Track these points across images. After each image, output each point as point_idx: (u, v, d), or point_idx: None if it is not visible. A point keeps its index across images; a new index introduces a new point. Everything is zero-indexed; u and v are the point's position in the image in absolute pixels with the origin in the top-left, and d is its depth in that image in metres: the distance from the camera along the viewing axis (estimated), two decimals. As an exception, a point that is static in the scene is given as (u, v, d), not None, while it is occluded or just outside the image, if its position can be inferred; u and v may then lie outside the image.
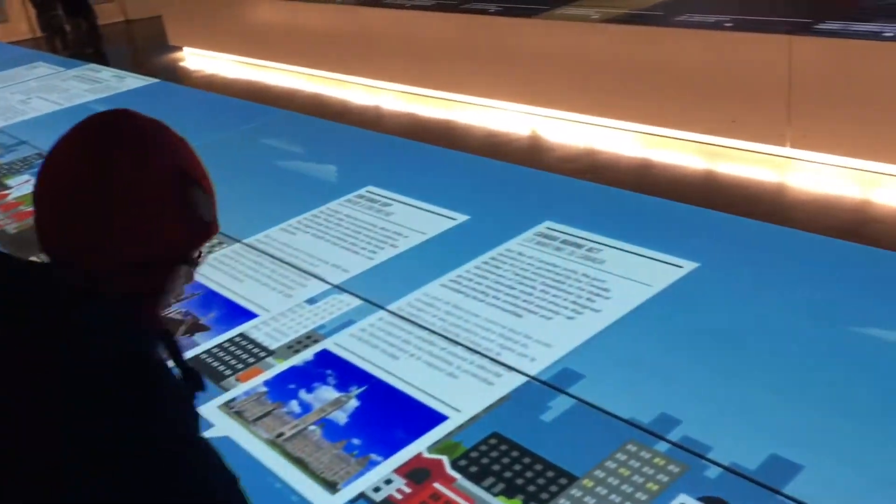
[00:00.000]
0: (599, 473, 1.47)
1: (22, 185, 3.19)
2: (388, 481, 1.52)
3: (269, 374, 1.87)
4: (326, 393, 1.78)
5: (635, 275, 2.05)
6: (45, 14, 9.47)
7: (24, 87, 4.72)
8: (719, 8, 5.00)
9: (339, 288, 2.19)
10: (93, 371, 0.88)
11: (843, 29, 4.30)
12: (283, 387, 1.82)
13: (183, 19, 8.75)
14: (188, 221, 1.03)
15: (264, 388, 1.83)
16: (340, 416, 1.71)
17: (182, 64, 8.69)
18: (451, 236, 2.39)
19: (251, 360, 1.93)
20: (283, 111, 3.90)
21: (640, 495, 1.41)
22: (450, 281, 2.15)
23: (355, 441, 1.63)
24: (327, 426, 1.68)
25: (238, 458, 1.63)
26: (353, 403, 1.74)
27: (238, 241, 2.51)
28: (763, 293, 1.95)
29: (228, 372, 1.90)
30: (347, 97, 6.88)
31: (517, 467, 1.51)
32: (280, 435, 1.68)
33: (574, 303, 1.97)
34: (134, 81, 4.62)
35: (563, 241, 2.25)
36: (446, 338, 1.91)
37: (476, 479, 1.50)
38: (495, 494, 1.46)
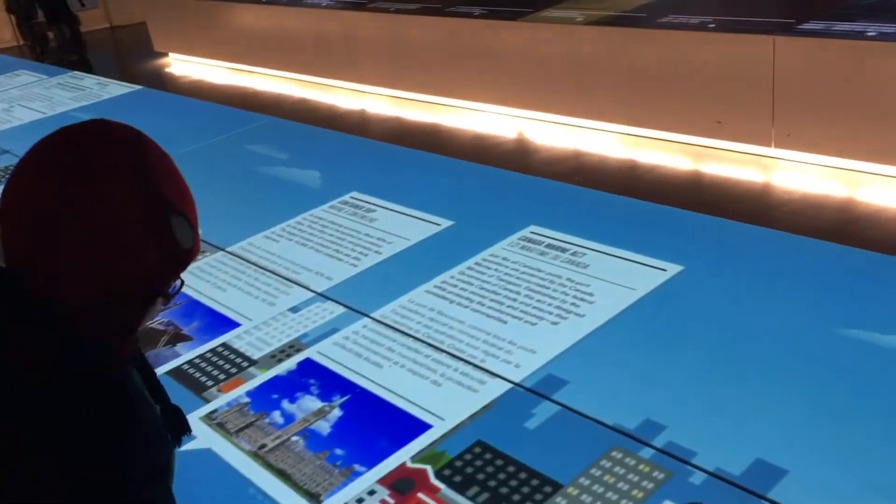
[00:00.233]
0: (584, 481, 1.46)
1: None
2: (372, 492, 1.51)
3: (251, 385, 1.85)
4: (309, 403, 1.77)
5: (619, 279, 2.05)
6: (26, 22, 9.39)
7: (6, 96, 4.69)
8: (703, 9, 5.01)
9: (323, 296, 2.17)
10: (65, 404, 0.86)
11: (827, 29, 4.32)
12: (266, 397, 1.81)
13: (168, 25, 8.71)
14: (162, 250, 0.96)
15: (247, 399, 1.81)
16: (324, 426, 1.69)
17: (168, 70, 8.65)
18: (435, 242, 2.38)
19: (233, 370, 1.92)
20: (267, 117, 3.88)
21: (626, 502, 1.40)
22: (434, 287, 2.13)
23: (338, 451, 1.62)
24: (310, 436, 1.67)
25: (220, 471, 1.61)
26: (337, 413, 1.73)
27: (221, 249, 2.49)
28: (747, 296, 1.94)
29: (210, 383, 1.88)
30: (334, 102, 6.86)
31: (502, 476, 1.50)
32: (262, 446, 1.66)
33: (559, 308, 1.97)
34: (117, 88, 4.59)
35: (548, 246, 2.24)
36: (430, 345, 1.90)
37: (460, 488, 1.48)
38: (479, 504, 1.45)
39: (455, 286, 2.12)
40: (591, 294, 2.00)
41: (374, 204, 2.65)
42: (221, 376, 1.90)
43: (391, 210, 2.59)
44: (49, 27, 9.15)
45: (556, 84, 5.38)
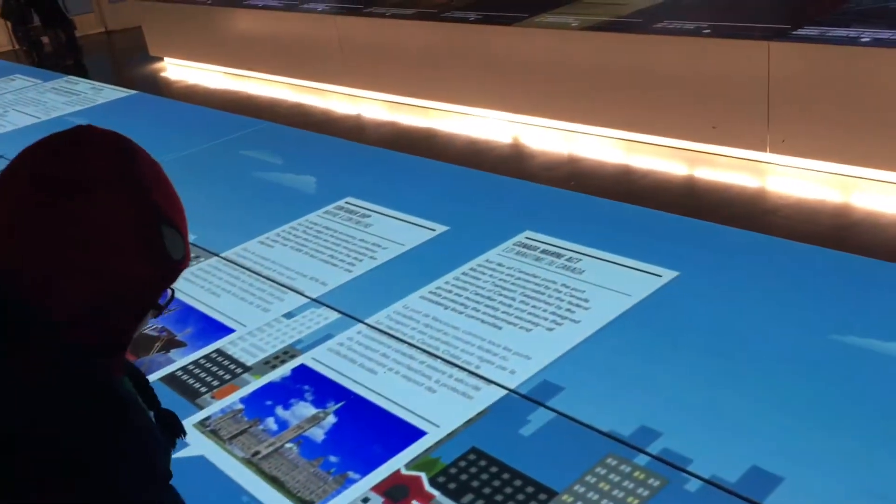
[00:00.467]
0: (579, 488, 1.45)
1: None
2: (366, 500, 1.50)
3: (245, 391, 1.85)
4: (303, 409, 1.76)
5: (614, 284, 2.04)
6: (20, 27, 9.37)
7: (1, 101, 4.68)
8: (698, 15, 5.02)
9: (317, 301, 2.17)
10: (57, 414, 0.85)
11: (821, 35, 4.33)
12: (260, 404, 1.80)
13: (163, 30, 8.71)
14: (153, 261, 0.93)
15: (240, 406, 1.80)
16: (317, 433, 1.68)
17: (163, 74, 8.65)
18: (430, 247, 2.38)
19: (227, 376, 1.91)
20: (263, 122, 3.87)
21: (620, 510, 1.40)
22: (429, 293, 2.13)
23: (332, 458, 1.61)
24: (304, 443, 1.66)
25: (213, 478, 1.60)
26: (331, 420, 1.72)
27: (215, 254, 2.48)
28: (743, 302, 1.94)
29: (204, 389, 1.87)
30: (329, 106, 6.86)
31: (496, 483, 1.49)
32: (256, 453, 1.65)
33: (554, 314, 1.96)
34: (112, 93, 4.58)
35: (543, 251, 2.24)
36: (425, 351, 1.89)
37: (455, 495, 1.48)
38: (474, 511, 1.44)
39: (450, 292, 2.12)
40: (586, 300, 2.00)
41: (368, 209, 2.65)
42: (215, 382, 1.89)
43: (386, 215, 2.59)
44: (44, 32, 9.14)
45: (551, 89, 5.38)
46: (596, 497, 1.43)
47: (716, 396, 1.65)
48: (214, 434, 1.72)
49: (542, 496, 1.45)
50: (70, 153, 0.92)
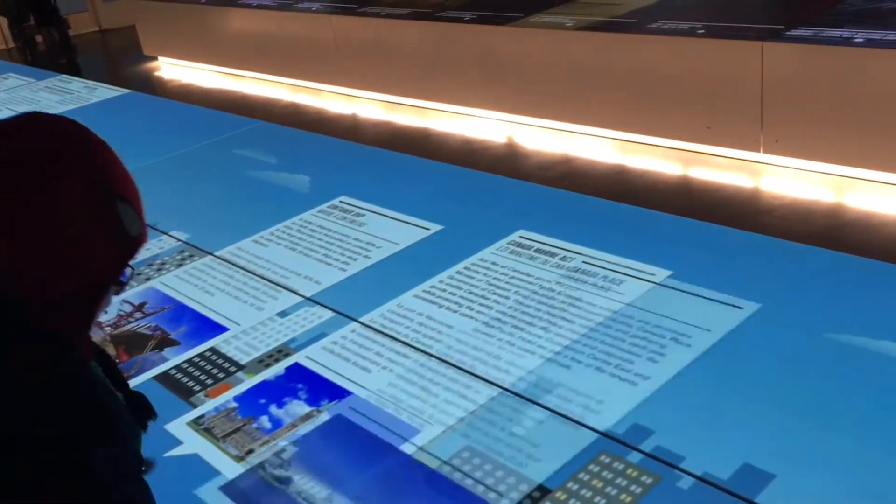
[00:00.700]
0: (573, 486, 1.46)
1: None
2: (360, 497, 1.50)
3: (239, 390, 1.85)
4: (297, 408, 1.76)
5: (608, 284, 2.04)
6: (17, 25, 9.35)
7: (-6, 99, 4.67)
8: (692, 15, 5.02)
9: (312, 300, 2.17)
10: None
11: (815, 35, 4.34)
12: (254, 402, 1.80)
13: (157, 29, 8.68)
14: (113, 241, 0.94)
15: (234, 404, 1.80)
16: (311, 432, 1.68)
17: (157, 74, 8.63)
18: (424, 246, 2.38)
19: (221, 375, 1.91)
20: (257, 121, 3.86)
21: (614, 507, 1.40)
22: (423, 292, 2.13)
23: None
24: (298, 442, 1.66)
25: (207, 476, 1.60)
26: (325, 418, 1.72)
27: (209, 253, 2.47)
28: (735, 301, 1.94)
29: (198, 388, 1.87)
30: (324, 106, 6.85)
31: (490, 481, 1.49)
32: (250, 451, 1.65)
33: (547, 312, 1.96)
34: (106, 92, 4.57)
35: (537, 251, 2.24)
36: (419, 350, 1.89)
37: (449, 493, 1.47)
38: (468, 509, 1.44)
39: (444, 291, 2.12)
40: (579, 299, 2.00)
41: (363, 208, 2.65)
42: (209, 381, 1.89)
43: (380, 214, 2.59)
44: (38, 30, 9.12)
45: (545, 89, 5.38)
46: (589, 494, 1.43)
47: (708, 394, 1.65)
48: (208, 432, 1.72)
49: (536, 494, 1.45)
50: (23, 135, 0.92)
